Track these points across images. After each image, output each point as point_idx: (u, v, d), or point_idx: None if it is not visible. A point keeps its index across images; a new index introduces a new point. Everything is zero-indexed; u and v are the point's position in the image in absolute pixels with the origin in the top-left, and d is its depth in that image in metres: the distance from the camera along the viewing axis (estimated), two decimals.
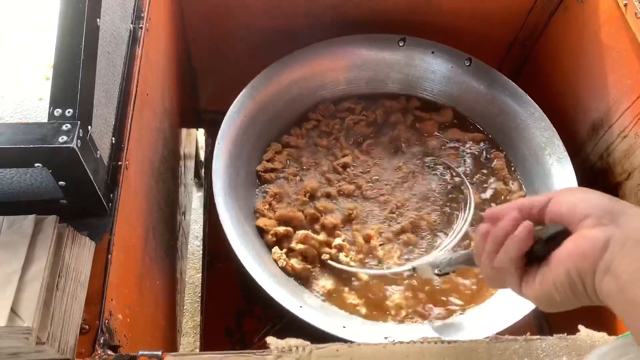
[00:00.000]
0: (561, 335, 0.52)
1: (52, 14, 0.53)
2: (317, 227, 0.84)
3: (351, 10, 0.96)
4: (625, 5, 0.79)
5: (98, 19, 0.53)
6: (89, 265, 0.53)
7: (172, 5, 0.87)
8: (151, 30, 0.71)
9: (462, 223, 0.83)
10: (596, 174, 0.87)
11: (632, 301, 0.35)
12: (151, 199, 0.70)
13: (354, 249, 0.82)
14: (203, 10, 0.96)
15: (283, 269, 0.78)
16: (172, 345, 0.85)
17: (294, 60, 0.92)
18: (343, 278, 0.79)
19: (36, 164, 0.48)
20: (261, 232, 0.82)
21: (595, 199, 0.40)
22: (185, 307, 1.22)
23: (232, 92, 0.88)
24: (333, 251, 0.81)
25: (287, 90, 0.92)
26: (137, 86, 0.64)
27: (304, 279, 0.79)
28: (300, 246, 0.80)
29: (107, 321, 0.51)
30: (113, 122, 0.59)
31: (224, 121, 0.84)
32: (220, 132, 0.83)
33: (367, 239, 0.83)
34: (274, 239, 0.81)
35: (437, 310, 0.77)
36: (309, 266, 0.79)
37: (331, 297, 0.78)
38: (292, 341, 0.51)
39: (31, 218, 0.50)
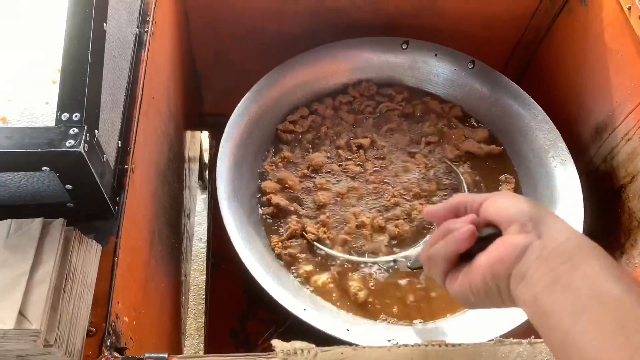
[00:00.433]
0: None
1: (59, 18, 0.53)
2: (308, 199, 0.86)
3: (355, 14, 0.96)
4: (629, 8, 0.79)
5: (105, 23, 0.54)
6: (96, 268, 0.53)
7: (176, 9, 0.88)
8: (156, 34, 0.71)
9: None
10: (600, 176, 0.87)
11: (543, 312, 0.37)
12: (157, 202, 0.70)
13: (341, 228, 0.82)
14: (207, 14, 0.97)
15: (279, 256, 0.80)
16: (176, 347, 0.86)
17: (297, 64, 0.92)
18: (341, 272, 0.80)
19: (43, 168, 0.48)
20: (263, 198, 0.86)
21: (522, 205, 0.42)
22: (189, 309, 1.22)
23: (236, 95, 0.88)
24: (315, 229, 0.82)
25: (291, 93, 0.92)
26: (142, 90, 0.64)
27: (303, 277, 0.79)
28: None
29: (113, 324, 0.51)
30: (119, 126, 0.59)
31: (228, 124, 0.85)
32: (224, 135, 0.84)
33: (360, 224, 0.83)
34: (270, 208, 0.83)
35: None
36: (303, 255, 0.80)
37: (328, 293, 0.78)
38: (298, 344, 0.51)
39: (39, 221, 0.50)
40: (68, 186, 0.51)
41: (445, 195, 0.88)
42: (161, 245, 0.72)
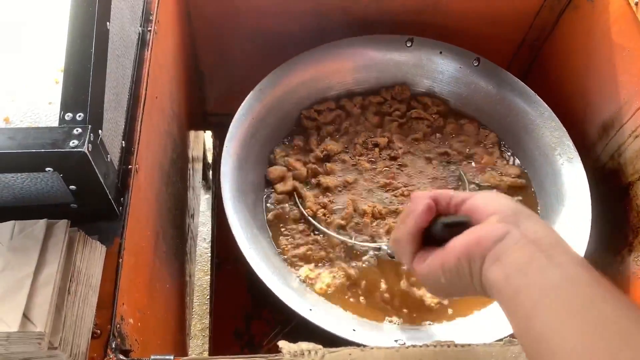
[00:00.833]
0: None
1: (62, 18, 0.53)
2: (313, 181, 0.87)
3: (359, 12, 0.95)
4: (636, 3, 0.78)
5: (108, 23, 0.53)
6: (100, 270, 0.53)
7: (179, 8, 0.87)
8: (159, 33, 0.71)
9: None
10: (607, 174, 0.86)
11: (514, 290, 0.37)
12: (161, 202, 0.70)
13: (341, 215, 0.83)
14: (209, 13, 0.96)
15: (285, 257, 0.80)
16: (181, 348, 0.85)
17: (301, 62, 0.92)
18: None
19: (47, 169, 0.48)
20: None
21: (506, 202, 0.43)
22: (193, 310, 1.22)
23: (239, 94, 0.88)
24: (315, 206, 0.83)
25: (294, 92, 0.92)
26: (146, 89, 0.64)
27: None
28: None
29: (118, 325, 0.51)
30: (123, 126, 0.59)
31: (231, 124, 0.84)
32: (228, 134, 0.83)
33: (362, 212, 0.83)
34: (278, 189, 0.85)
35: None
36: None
37: (334, 294, 0.77)
38: (304, 345, 0.51)
39: (42, 223, 0.50)
40: (72, 187, 0.50)
41: None
42: (165, 246, 0.72)
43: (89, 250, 0.52)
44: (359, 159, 0.89)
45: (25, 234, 0.49)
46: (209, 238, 1.31)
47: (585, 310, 0.34)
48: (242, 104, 0.86)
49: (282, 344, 0.51)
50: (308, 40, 0.94)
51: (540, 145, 0.89)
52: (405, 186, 0.87)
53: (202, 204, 1.32)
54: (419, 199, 0.46)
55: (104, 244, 0.54)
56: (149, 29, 0.68)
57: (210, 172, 1.31)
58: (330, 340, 0.68)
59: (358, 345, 0.52)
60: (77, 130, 0.47)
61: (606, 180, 0.86)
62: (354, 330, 0.70)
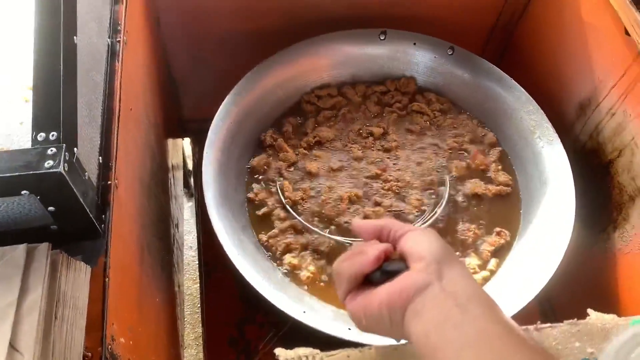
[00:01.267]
0: (572, 321, 0.51)
1: (27, 33, 0.51)
2: (299, 165, 0.88)
3: (330, 7, 0.95)
4: None
5: (75, 36, 0.52)
6: (87, 291, 0.51)
7: (147, 16, 0.85)
8: (129, 43, 0.69)
9: (421, 223, 0.82)
10: (587, 153, 0.87)
11: (433, 347, 0.40)
12: (144, 215, 0.68)
13: (318, 199, 0.84)
14: (179, 19, 0.95)
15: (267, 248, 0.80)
16: None
17: (276, 63, 0.91)
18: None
19: (23, 192, 0.46)
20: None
21: (433, 247, 0.45)
22: (185, 319, 1.20)
23: (215, 98, 0.87)
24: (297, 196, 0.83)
25: (271, 93, 0.91)
26: (120, 102, 0.62)
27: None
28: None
29: (109, 347, 0.49)
30: (98, 141, 0.57)
31: (210, 130, 0.83)
32: (207, 141, 0.82)
33: (339, 198, 0.83)
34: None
35: None
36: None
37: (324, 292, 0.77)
38: (301, 350, 0.50)
39: (22, 248, 0.48)
40: (50, 208, 0.49)
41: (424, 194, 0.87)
42: (152, 260, 0.70)
43: (73, 272, 0.50)
44: (351, 147, 0.89)
45: (5, 261, 0.47)
46: (195, 246, 1.29)
47: None
48: (219, 109, 0.85)
49: (279, 351, 0.50)
50: (281, 39, 0.93)
51: (520, 129, 0.89)
52: (396, 181, 0.86)
53: (185, 212, 1.30)
54: (372, 247, 0.47)
55: (89, 263, 0.52)
56: (118, 39, 0.66)
57: (192, 179, 1.29)
58: (326, 339, 0.67)
59: (355, 344, 0.52)
60: (51, 150, 0.45)
61: (586, 160, 0.87)
62: (349, 329, 0.69)
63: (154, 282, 0.70)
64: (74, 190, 0.47)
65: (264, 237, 0.81)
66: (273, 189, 0.85)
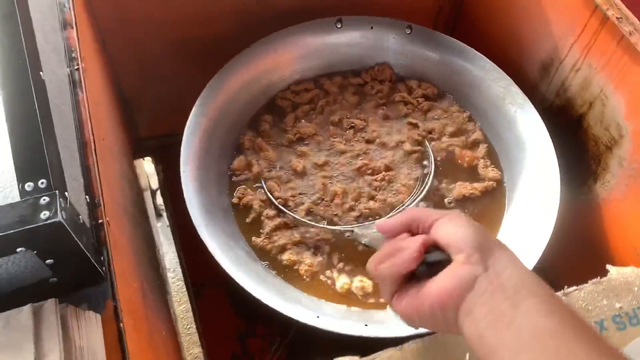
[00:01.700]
0: (595, 280, 0.52)
1: None
2: (285, 165, 0.85)
3: (282, 2, 0.92)
4: None
5: (41, 72, 0.47)
6: (102, 341, 0.48)
7: (94, 37, 0.80)
8: (88, 69, 0.65)
9: (410, 201, 0.82)
10: (556, 111, 0.89)
11: (489, 350, 0.39)
12: (135, 246, 0.64)
13: (309, 196, 0.82)
14: (124, 35, 0.89)
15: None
16: None
17: (237, 66, 0.88)
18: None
19: (18, 249, 0.42)
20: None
21: (469, 233, 0.43)
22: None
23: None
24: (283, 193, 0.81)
25: (238, 96, 0.88)
26: (92, 133, 0.58)
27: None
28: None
29: None
30: (82, 180, 0.53)
31: (182, 146, 0.79)
32: (181, 158, 0.78)
33: (332, 194, 0.82)
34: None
35: None
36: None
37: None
38: None
39: (27, 309, 0.44)
40: (49, 261, 0.45)
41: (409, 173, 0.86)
42: (152, 292, 0.67)
43: (84, 324, 0.47)
44: (333, 141, 0.87)
45: (11, 326, 0.43)
46: (172, 267, 1.24)
47: None
48: (188, 123, 0.81)
49: None
50: (236, 42, 0.89)
51: (489, 98, 0.90)
52: (387, 170, 0.85)
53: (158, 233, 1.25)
54: (410, 242, 0.46)
55: (96, 311, 0.49)
56: (76, 67, 0.62)
57: (159, 198, 1.24)
58: (336, 338, 0.66)
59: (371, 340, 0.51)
60: (44, 200, 0.41)
61: (557, 117, 0.88)
62: (365, 325, 0.68)
63: (158, 316, 0.67)
64: (74, 237, 0.43)
65: (257, 241, 0.78)
66: (257, 191, 0.82)
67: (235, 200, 0.81)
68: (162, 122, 1.09)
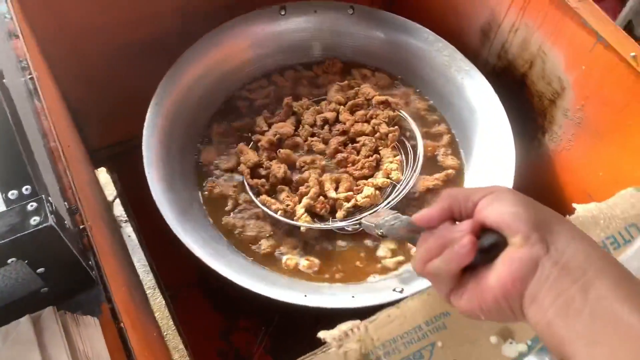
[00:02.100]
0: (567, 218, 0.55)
1: None
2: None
3: None
4: None
5: (4, 80, 0.46)
6: (104, 344, 0.47)
7: (37, 48, 0.78)
8: (40, 78, 0.63)
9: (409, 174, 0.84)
10: (500, 72, 0.93)
11: (559, 340, 0.36)
12: (117, 252, 0.64)
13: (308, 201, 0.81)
14: (64, 45, 0.87)
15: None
16: None
17: (185, 63, 0.87)
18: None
19: (9, 261, 0.41)
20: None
21: (522, 211, 0.39)
22: None
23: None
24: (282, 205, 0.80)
25: (191, 93, 0.87)
26: (59, 141, 0.57)
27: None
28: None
29: None
30: (57, 186, 0.52)
31: (143, 148, 0.78)
32: (145, 161, 0.77)
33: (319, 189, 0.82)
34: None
35: None
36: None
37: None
38: (343, 326, 0.50)
39: (25, 320, 0.43)
40: (40, 270, 0.44)
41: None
42: (138, 295, 0.66)
43: (84, 328, 0.46)
44: (311, 140, 0.87)
45: (12, 340, 0.42)
46: (142, 276, 1.22)
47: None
48: (145, 125, 0.80)
49: (323, 334, 0.49)
50: (181, 40, 0.88)
51: (436, 68, 0.93)
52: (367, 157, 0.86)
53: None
54: (459, 232, 0.41)
55: (93, 315, 0.48)
56: (30, 76, 0.60)
57: (120, 208, 1.21)
58: (326, 315, 0.67)
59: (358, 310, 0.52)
60: (31, 205, 0.41)
61: (501, 79, 0.93)
62: (353, 297, 0.70)
63: (147, 317, 0.66)
64: (66, 241, 0.43)
65: (228, 220, 0.79)
66: (229, 180, 0.83)
67: (206, 192, 0.81)
68: (113, 131, 1.07)
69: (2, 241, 0.39)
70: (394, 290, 0.70)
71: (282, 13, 0.94)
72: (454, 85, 0.91)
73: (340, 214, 0.79)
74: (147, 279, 1.22)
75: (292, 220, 0.78)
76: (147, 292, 1.24)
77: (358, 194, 0.81)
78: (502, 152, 0.82)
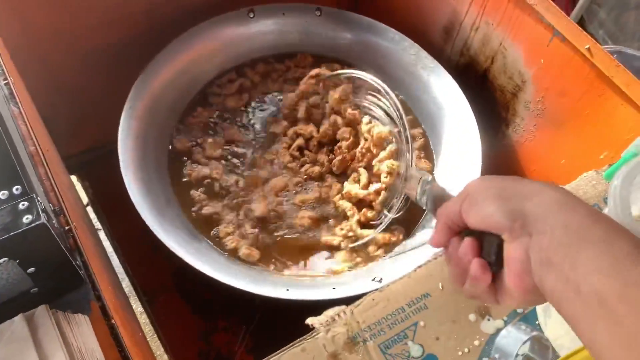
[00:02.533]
0: None
1: None
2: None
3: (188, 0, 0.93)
4: None
5: None
6: (96, 341, 0.48)
7: (6, 55, 0.77)
8: (15, 82, 0.63)
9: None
10: (463, 69, 0.97)
11: (570, 321, 0.36)
12: (101, 253, 0.64)
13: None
14: (30, 52, 0.86)
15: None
16: None
17: (158, 65, 0.87)
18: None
19: (1, 260, 0.42)
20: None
21: (493, 209, 0.40)
22: None
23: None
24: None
25: (164, 95, 0.88)
26: (39, 146, 0.57)
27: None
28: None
29: None
30: (42, 189, 0.52)
31: (119, 151, 0.79)
32: (121, 163, 0.78)
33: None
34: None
35: None
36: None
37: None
38: (330, 312, 0.52)
39: (19, 319, 0.43)
40: (30, 270, 0.45)
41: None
42: (122, 296, 0.66)
43: (76, 327, 0.47)
44: (306, 169, 0.89)
45: (7, 339, 0.42)
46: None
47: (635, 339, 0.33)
48: (120, 127, 0.81)
49: (311, 320, 0.51)
50: (150, 44, 0.88)
51: (402, 66, 0.96)
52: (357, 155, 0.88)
53: None
54: (467, 259, 0.43)
55: (83, 313, 0.49)
56: (5, 81, 0.60)
57: (92, 214, 1.20)
58: (307, 307, 0.69)
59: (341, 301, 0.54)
60: (23, 204, 0.41)
61: (465, 75, 0.96)
62: (334, 288, 0.72)
63: (132, 317, 0.67)
64: (57, 239, 0.43)
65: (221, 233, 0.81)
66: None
67: (185, 178, 0.84)
68: (83, 137, 1.06)
69: None
70: (373, 280, 0.73)
71: (251, 16, 0.95)
72: (421, 81, 0.94)
73: (377, 206, 0.83)
74: (124, 285, 1.21)
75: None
76: None
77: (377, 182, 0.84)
78: (469, 146, 0.86)
